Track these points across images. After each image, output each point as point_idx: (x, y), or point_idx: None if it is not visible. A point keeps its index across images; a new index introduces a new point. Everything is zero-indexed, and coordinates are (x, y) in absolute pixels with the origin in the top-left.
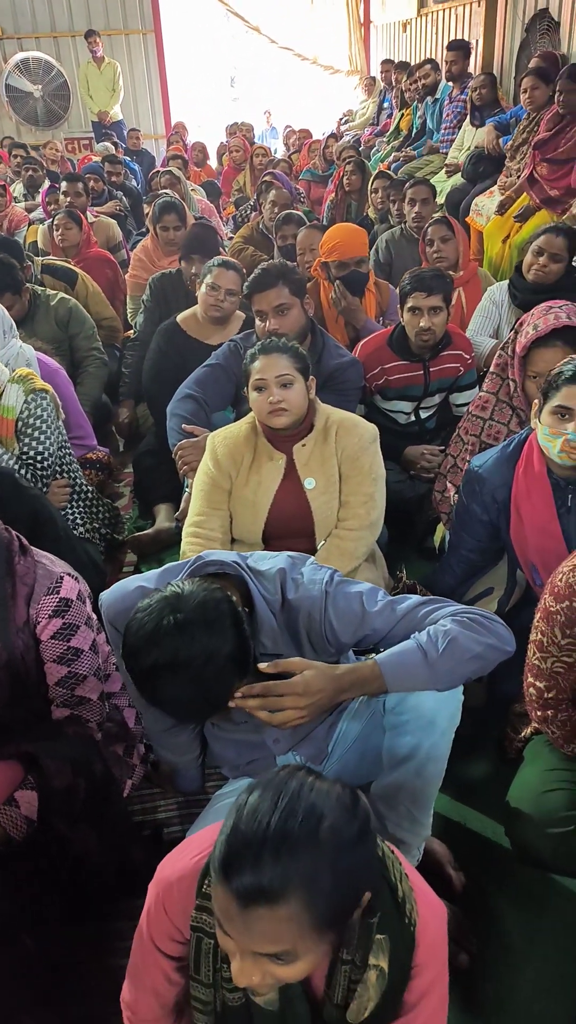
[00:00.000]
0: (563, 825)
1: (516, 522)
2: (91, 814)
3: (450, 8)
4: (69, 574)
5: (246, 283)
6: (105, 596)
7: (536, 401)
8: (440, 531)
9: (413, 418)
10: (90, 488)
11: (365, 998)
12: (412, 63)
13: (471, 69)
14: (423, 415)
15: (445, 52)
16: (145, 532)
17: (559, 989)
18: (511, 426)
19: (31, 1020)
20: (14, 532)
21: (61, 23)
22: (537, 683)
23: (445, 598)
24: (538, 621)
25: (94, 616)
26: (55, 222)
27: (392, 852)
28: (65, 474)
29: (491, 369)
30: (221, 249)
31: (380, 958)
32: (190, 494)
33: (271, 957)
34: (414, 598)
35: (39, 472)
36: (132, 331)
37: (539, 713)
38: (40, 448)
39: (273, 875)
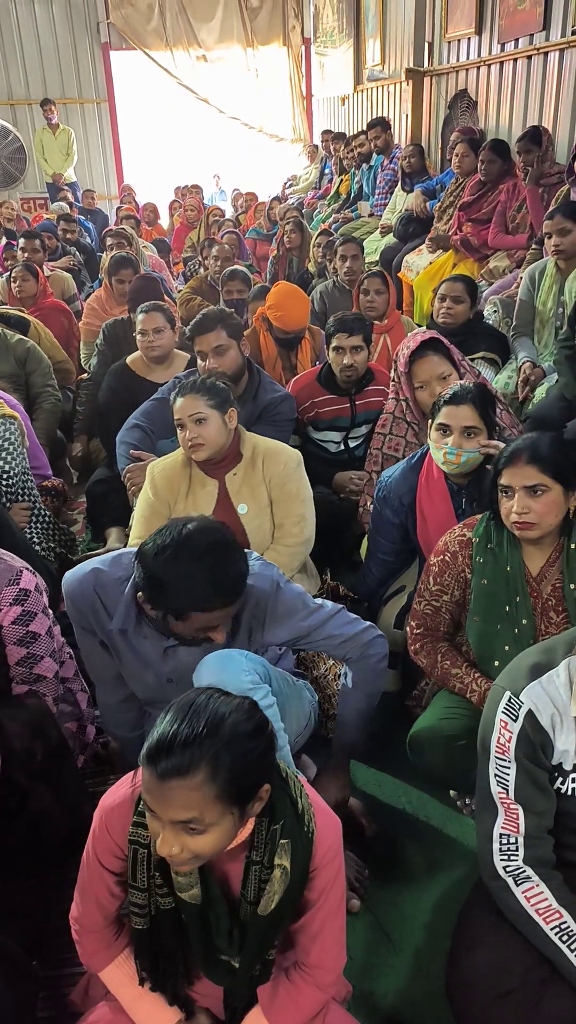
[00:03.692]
0: (455, 741)
1: (421, 522)
2: (48, 774)
3: (382, 86)
4: (27, 568)
5: (188, 327)
6: (66, 576)
7: (429, 421)
8: (365, 544)
9: (343, 447)
10: (47, 512)
11: (272, 893)
12: (349, 134)
13: (399, 141)
14: (351, 444)
15: (368, 130)
16: (96, 552)
17: (448, 905)
18: (407, 437)
19: None
20: None
21: (18, 91)
22: (412, 622)
23: (353, 614)
24: (422, 576)
25: (49, 609)
26: (13, 275)
27: (295, 774)
28: (26, 498)
29: (389, 395)
30: (167, 298)
31: (283, 858)
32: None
33: (185, 826)
34: (330, 606)
35: (3, 489)
36: (85, 374)
37: (413, 647)
38: (6, 467)
39: (183, 755)
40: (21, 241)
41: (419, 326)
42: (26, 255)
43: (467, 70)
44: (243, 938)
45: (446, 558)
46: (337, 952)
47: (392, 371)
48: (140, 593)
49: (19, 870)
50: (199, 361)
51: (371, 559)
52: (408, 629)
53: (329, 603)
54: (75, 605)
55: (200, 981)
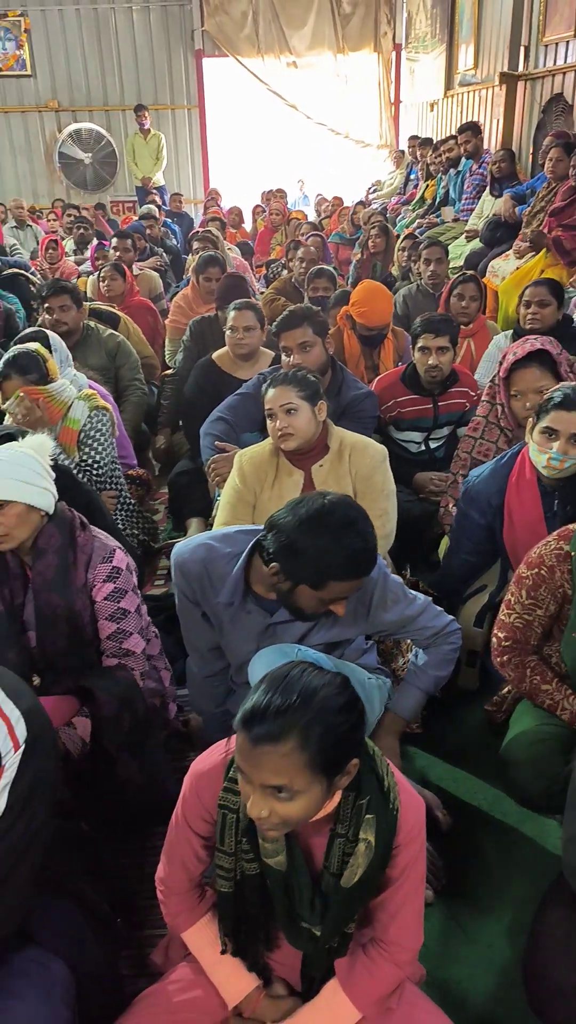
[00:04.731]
0: (553, 769)
1: (508, 524)
2: (133, 745)
3: (473, 90)
4: (120, 548)
5: (274, 323)
6: (177, 547)
7: (530, 420)
8: (444, 544)
9: (423, 447)
10: (132, 500)
11: (355, 866)
12: (436, 139)
13: (489, 146)
14: (433, 445)
15: (458, 135)
16: (177, 541)
17: (524, 902)
18: (499, 444)
19: (85, 883)
20: (76, 512)
21: (113, 97)
22: (500, 633)
23: (439, 607)
24: (511, 586)
25: (138, 588)
26: (102, 274)
27: (381, 754)
28: (113, 486)
29: (483, 397)
30: (253, 299)
31: (368, 833)
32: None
33: (275, 791)
34: (423, 598)
35: (94, 478)
36: (170, 370)
37: (499, 659)
38: (97, 457)
39: (275, 723)
40: (114, 241)
41: (503, 331)
42: (117, 254)
43: (564, 74)
44: (325, 908)
45: (542, 572)
46: (415, 931)
47: (490, 379)
48: (273, 564)
49: (106, 834)
50: (284, 357)
51: (453, 558)
52: (494, 640)
53: (420, 595)
54: (184, 576)
55: (279, 951)
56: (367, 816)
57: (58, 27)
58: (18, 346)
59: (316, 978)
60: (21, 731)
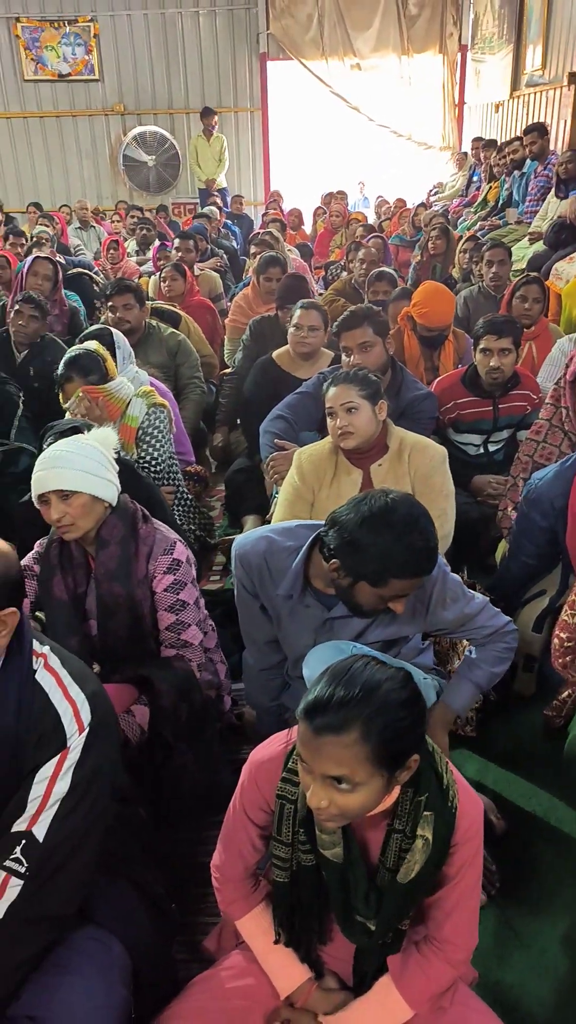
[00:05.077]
0: None
1: (572, 526)
2: (190, 735)
3: (541, 91)
4: (180, 541)
5: (335, 323)
6: (238, 540)
7: None
8: (501, 548)
9: (482, 450)
10: (189, 496)
11: (412, 862)
12: (500, 141)
13: (555, 147)
14: (492, 448)
15: (524, 136)
16: (235, 537)
17: None
18: (562, 448)
19: (142, 866)
20: (138, 504)
21: (178, 101)
22: (562, 635)
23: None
24: None
25: (196, 581)
26: (163, 274)
27: (440, 752)
28: (171, 482)
29: (547, 400)
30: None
31: (426, 830)
32: (277, 501)
33: (335, 782)
34: (480, 597)
35: (152, 474)
36: (228, 369)
37: (561, 660)
38: (155, 454)
39: (337, 714)
40: (176, 242)
41: (567, 335)
42: (179, 255)
43: None
44: (380, 902)
45: None
46: (470, 930)
47: (555, 381)
48: (333, 560)
49: (161, 821)
50: (344, 357)
51: (512, 561)
52: (556, 641)
53: (478, 594)
54: (244, 568)
55: (331, 944)
56: (425, 813)
57: (126, 32)
58: (77, 347)
59: (368, 973)
60: (86, 714)
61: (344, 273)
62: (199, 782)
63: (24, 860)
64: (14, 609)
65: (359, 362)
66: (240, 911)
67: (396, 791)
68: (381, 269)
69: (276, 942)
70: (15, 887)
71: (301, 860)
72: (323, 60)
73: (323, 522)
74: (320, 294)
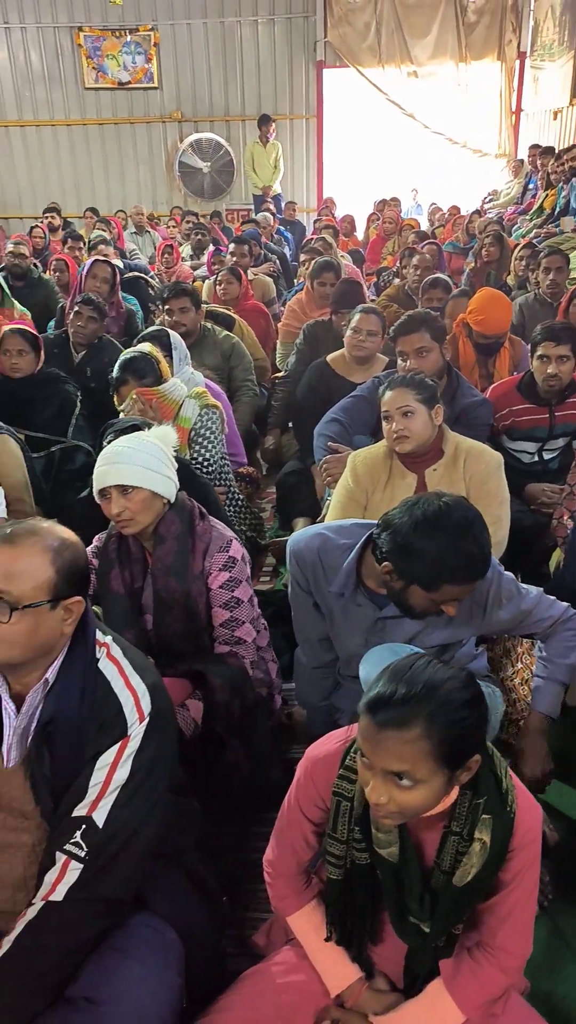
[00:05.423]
0: None
1: None
2: (242, 731)
3: None
4: (236, 539)
5: (392, 327)
6: (294, 536)
7: None
8: (555, 556)
9: (536, 458)
10: (241, 497)
11: (469, 865)
12: (558, 148)
13: None
14: (547, 456)
15: None
16: (286, 538)
17: None
18: None
19: (195, 857)
20: (195, 502)
21: (234, 108)
22: None
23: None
24: None
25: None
26: (219, 278)
27: (499, 755)
28: (222, 482)
29: None
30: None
31: (484, 833)
32: (329, 503)
33: (396, 778)
34: (535, 590)
35: (204, 475)
36: (280, 372)
37: None
38: (207, 455)
39: (400, 710)
40: (231, 246)
41: None
42: (234, 259)
43: None
44: (434, 904)
45: None
46: (524, 938)
47: None
48: (386, 563)
49: (213, 816)
50: (399, 362)
51: (567, 570)
52: None
53: (531, 587)
54: (299, 564)
55: (383, 945)
56: (483, 816)
57: (186, 41)
58: (132, 350)
59: (419, 976)
60: (146, 704)
61: (396, 279)
62: (250, 778)
63: (84, 844)
64: (80, 598)
65: (415, 367)
66: (291, 907)
67: (455, 792)
68: (436, 276)
69: (327, 939)
70: (75, 870)
71: (356, 858)
72: (379, 67)
73: (377, 521)
74: (372, 300)
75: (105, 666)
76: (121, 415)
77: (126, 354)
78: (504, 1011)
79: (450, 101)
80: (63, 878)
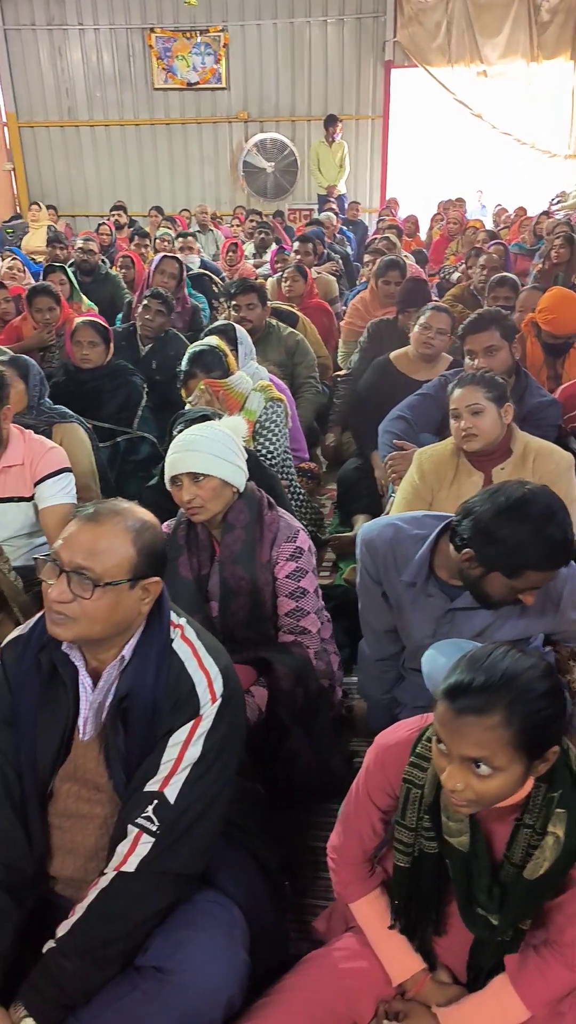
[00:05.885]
0: None
1: None
2: (305, 720)
3: None
4: (303, 529)
5: (461, 325)
6: (365, 526)
7: None
8: None
9: None
10: (302, 491)
11: (541, 859)
12: None
13: None
14: None
15: None
16: (346, 534)
17: None
18: None
19: (259, 839)
20: (263, 492)
21: (300, 108)
22: None
23: None
24: None
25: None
26: (285, 275)
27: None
28: (285, 476)
29: None
30: None
31: (558, 827)
32: (394, 500)
33: (473, 764)
34: None
35: (267, 467)
36: (342, 371)
37: None
38: (271, 447)
39: (480, 697)
40: (296, 245)
41: None
42: (298, 258)
43: None
44: (503, 897)
45: None
46: None
47: None
48: (467, 550)
49: (275, 802)
50: (467, 360)
51: None
52: None
53: None
54: (370, 553)
55: (446, 937)
56: (558, 810)
57: (255, 41)
58: (200, 343)
59: (484, 970)
60: (219, 686)
61: (456, 275)
62: (311, 767)
63: (155, 819)
64: (158, 579)
65: (483, 366)
66: (355, 894)
67: (529, 784)
68: (503, 274)
69: (391, 927)
70: (146, 843)
71: (424, 847)
72: (448, 67)
73: (452, 514)
74: (435, 300)
75: (179, 647)
76: (187, 407)
77: (195, 347)
78: (571, 1009)
79: (519, 101)
80: (135, 850)
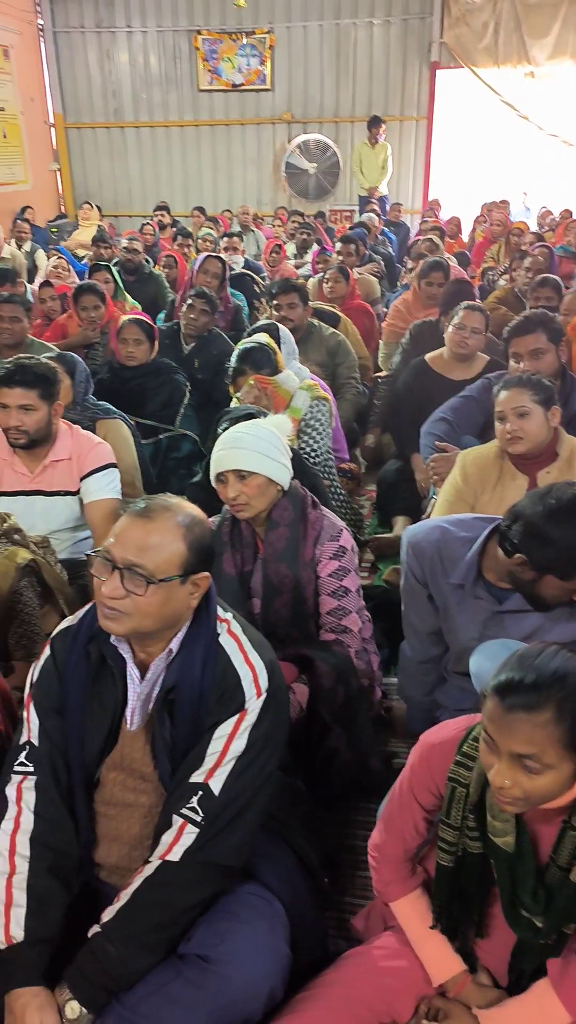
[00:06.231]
0: None
1: None
2: (345, 718)
3: None
4: (346, 529)
5: (507, 328)
6: (411, 529)
7: None
8: None
9: None
10: (343, 492)
11: None
12: None
13: None
14: None
15: None
16: (385, 535)
17: None
18: None
19: (300, 835)
20: (307, 491)
21: (344, 110)
22: None
23: None
24: None
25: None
26: (327, 276)
27: None
28: (327, 475)
29: None
30: None
31: None
32: (435, 502)
33: (522, 762)
34: None
35: (310, 465)
36: (382, 372)
37: None
38: (315, 445)
39: (531, 694)
40: (338, 246)
41: None
42: (341, 258)
43: None
44: (548, 900)
45: None
46: None
47: None
48: (518, 554)
49: (317, 799)
50: (512, 363)
51: None
52: None
53: None
54: (416, 555)
55: (487, 940)
56: None
57: (300, 43)
58: (249, 340)
59: (525, 973)
60: (264, 680)
61: (502, 280)
62: (350, 765)
63: (200, 810)
64: (207, 573)
65: (529, 369)
66: (396, 893)
67: None
68: (545, 275)
69: (433, 927)
70: (191, 834)
71: (468, 847)
72: (495, 68)
73: (499, 517)
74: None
75: (225, 641)
76: (234, 402)
77: (245, 344)
78: None
79: (567, 102)
80: (179, 840)
